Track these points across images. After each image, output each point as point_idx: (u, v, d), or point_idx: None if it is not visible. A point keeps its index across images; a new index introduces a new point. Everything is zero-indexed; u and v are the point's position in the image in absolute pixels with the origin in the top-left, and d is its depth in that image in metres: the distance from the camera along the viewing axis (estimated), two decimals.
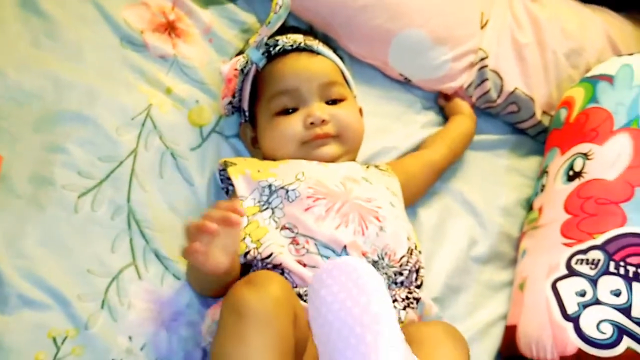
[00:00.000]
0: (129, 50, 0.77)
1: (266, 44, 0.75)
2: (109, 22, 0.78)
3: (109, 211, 0.67)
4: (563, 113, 0.88)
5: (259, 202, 0.68)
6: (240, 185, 0.68)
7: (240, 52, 0.77)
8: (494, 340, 0.77)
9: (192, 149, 0.74)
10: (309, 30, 0.85)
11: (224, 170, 0.73)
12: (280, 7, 0.72)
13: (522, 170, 0.92)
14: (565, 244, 0.73)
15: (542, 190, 0.84)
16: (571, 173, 0.79)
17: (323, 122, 0.72)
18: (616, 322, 0.66)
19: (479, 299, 0.80)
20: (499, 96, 0.91)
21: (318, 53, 0.77)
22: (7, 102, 0.69)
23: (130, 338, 0.62)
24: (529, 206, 0.87)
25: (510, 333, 0.74)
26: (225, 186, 0.74)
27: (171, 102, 0.76)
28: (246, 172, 0.70)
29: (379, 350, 0.47)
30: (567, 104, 0.88)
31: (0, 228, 0.62)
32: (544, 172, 0.86)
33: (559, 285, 0.71)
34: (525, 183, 0.91)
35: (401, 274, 0.66)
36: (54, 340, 0.59)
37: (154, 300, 0.65)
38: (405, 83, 0.91)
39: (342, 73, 0.79)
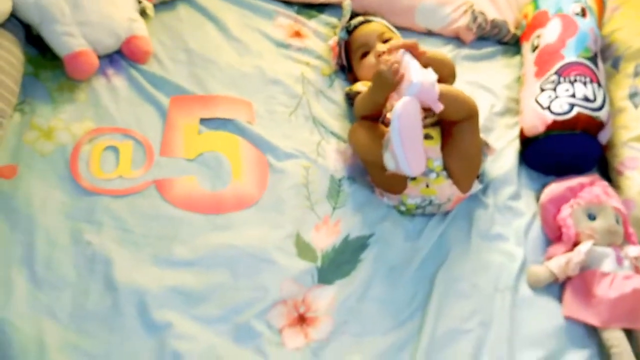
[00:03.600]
0: (283, 51, 1.46)
1: (345, 27, 1.43)
2: (268, 38, 1.48)
3: (304, 118, 1.34)
4: (524, 22, 1.53)
5: None
6: (359, 88, 1.33)
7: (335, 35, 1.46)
8: (516, 144, 1.39)
9: (329, 87, 1.42)
10: (363, 14, 1.52)
11: (347, 94, 1.39)
12: (347, 10, 1.43)
13: (511, 63, 1.56)
14: (537, 79, 1.36)
15: (522, 65, 1.47)
16: (534, 46, 1.43)
17: (384, 52, 1.34)
18: (569, 102, 1.27)
19: (501, 133, 1.42)
20: (486, 25, 1.56)
21: (371, 21, 1.43)
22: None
23: (334, 166, 1.26)
24: (519, 77, 1.49)
25: (521, 131, 1.36)
26: (350, 101, 1.40)
27: (310, 68, 1.44)
28: (360, 84, 1.35)
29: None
30: (525, 16, 1.54)
31: None
32: (521, 56, 1.49)
33: (538, 98, 1.33)
34: (515, 69, 1.54)
35: None
36: (304, 167, 1.24)
37: (338, 151, 1.29)
38: (428, 34, 1.57)
39: (388, 26, 1.44)
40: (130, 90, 1.31)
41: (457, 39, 1.59)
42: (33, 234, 1.06)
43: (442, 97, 1.10)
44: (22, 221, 1.08)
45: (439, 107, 1.09)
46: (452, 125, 1.17)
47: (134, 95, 1.30)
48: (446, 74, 1.25)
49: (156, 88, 1.32)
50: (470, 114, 1.16)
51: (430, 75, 1.10)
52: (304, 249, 1.14)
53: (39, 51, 1.30)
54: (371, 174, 1.24)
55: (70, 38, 1.25)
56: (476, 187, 1.24)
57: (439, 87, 1.10)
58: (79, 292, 1.02)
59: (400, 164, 1.08)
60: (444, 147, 1.19)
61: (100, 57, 1.31)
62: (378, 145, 1.14)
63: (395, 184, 1.19)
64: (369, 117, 1.22)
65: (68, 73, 1.27)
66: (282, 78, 1.40)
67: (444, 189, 1.19)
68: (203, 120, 1.29)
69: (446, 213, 1.24)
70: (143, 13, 1.42)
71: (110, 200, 1.13)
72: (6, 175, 1.12)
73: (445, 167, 1.19)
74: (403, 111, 1.06)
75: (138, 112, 1.27)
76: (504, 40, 1.59)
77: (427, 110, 1.17)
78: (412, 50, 1.14)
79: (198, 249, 1.10)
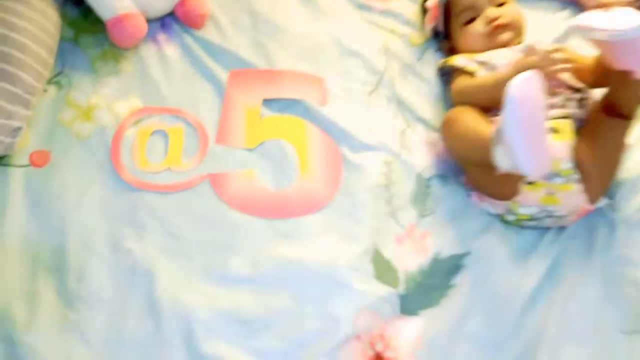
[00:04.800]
0: (365, 14, 1.21)
1: None
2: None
3: (386, 100, 1.11)
4: None
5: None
6: (458, 62, 1.08)
7: None
8: None
9: (418, 60, 1.17)
10: None
11: (441, 69, 1.15)
12: None
13: None
14: None
15: None
16: None
17: (496, 18, 1.09)
18: None
19: None
20: None
21: None
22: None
23: (422, 162, 1.04)
24: None
25: None
26: (444, 78, 1.16)
27: (396, 36, 1.19)
28: (460, 57, 1.10)
29: None
30: None
31: None
32: None
33: None
34: None
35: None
36: (385, 162, 1.03)
37: (427, 142, 1.07)
38: None
39: None
40: (184, 61, 1.11)
41: (575, 4, 1.29)
42: (65, 236, 0.90)
43: None
44: (53, 220, 0.92)
45: None
46: (613, 117, 0.92)
47: (188, 67, 1.10)
48: None
49: (213, 59, 1.11)
50: None
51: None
52: (383, 268, 0.93)
53: (81, 12, 1.12)
54: (470, 173, 1.01)
55: None
56: (603, 199, 0.99)
57: None
58: (115, 312, 0.86)
59: (519, 162, 0.82)
60: (583, 145, 0.94)
61: (149, 21, 1.11)
62: (484, 138, 0.89)
63: (505, 187, 0.95)
64: (479, 106, 0.98)
65: (112, 39, 1.07)
66: (362, 49, 1.16)
67: (570, 199, 0.94)
68: (266, 101, 1.08)
69: (561, 227, 1.00)
70: None
71: (157, 197, 0.95)
72: (37, 163, 0.96)
73: (579, 171, 0.93)
74: (522, 91, 0.80)
75: (191, 88, 1.07)
76: None
77: (553, 94, 0.94)
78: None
79: (258, 262, 0.92)
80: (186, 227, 0.93)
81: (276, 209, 0.97)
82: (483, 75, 1.03)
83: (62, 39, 1.07)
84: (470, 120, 0.95)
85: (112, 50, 1.09)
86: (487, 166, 0.90)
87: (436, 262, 0.95)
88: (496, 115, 0.95)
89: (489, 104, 0.97)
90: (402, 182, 1.02)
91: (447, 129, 1.01)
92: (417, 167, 1.04)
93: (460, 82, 1.05)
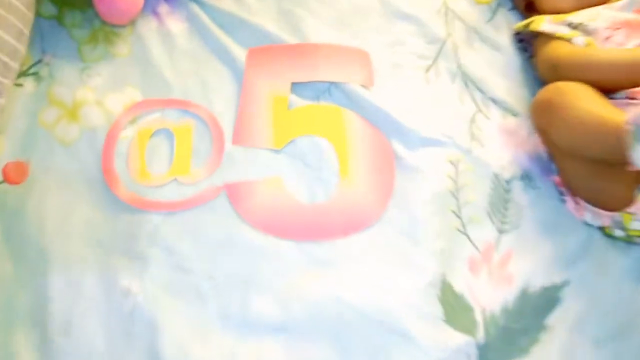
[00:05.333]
0: None
1: None
2: None
3: (449, 76, 0.87)
4: None
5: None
6: (545, 27, 0.83)
7: None
8: None
9: (487, 22, 0.92)
10: None
11: (518, 34, 0.90)
12: None
13: None
14: None
15: None
16: None
17: None
18: None
19: None
20: None
21: None
22: None
23: (499, 158, 0.81)
24: None
25: None
26: (523, 46, 0.91)
27: None
28: (545, 19, 0.85)
29: None
30: None
31: None
32: None
33: None
34: None
35: None
36: (451, 161, 0.80)
37: (502, 131, 0.83)
38: None
39: None
40: (192, 37, 0.88)
41: None
42: (46, 275, 0.71)
43: None
44: (32, 253, 0.72)
45: None
46: None
47: (197, 45, 0.87)
48: None
49: (229, 34, 0.88)
50: None
51: None
52: (455, 308, 0.71)
53: None
54: (569, 172, 0.76)
55: None
56: None
57: None
58: None
59: None
60: None
61: None
62: (613, 127, 0.66)
63: (618, 193, 0.71)
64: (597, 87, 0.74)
65: (102, 16, 0.87)
66: (415, 11, 0.91)
67: None
68: (296, 86, 0.85)
69: None
70: None
71: (161, 219, 0.74)
72: (13, 178, 0.76)
73: None
74: None
75: (203, 73, 0.85)
76: None
77: None
78: None
79: (289, 302, 0.70)
80: (198, 256, 0.73)
81: (311, 228, 0.75)
82: (601, 48, 0.77)
83: (42, 17, 0.86)
84: (591, 102, 0.70)
85: (104, 30, 0.87)
86: (607, 163, 0.68)
87: (524, 296, 0.72)
88: (612, 98, 0.72)
89: (611, 86, 0.72)
90: (474, 187, 0.78)
91: (549, 112, 0.75)
92: (494, 166, 0.80)
93: (559, 51, 0.79)
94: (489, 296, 0.72)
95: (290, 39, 0.87)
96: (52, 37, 0.86)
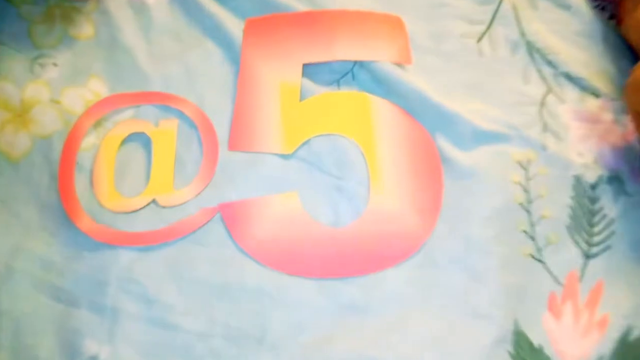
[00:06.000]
0: None
1: None
2: None
3: (510, 46, 0.66)
4: None
5: None
6: None
7: None
8: None
9: None
10: None
11: None
12: None
13: None
14: None
15: None
16: None
17: None
18: None
19: None
20: None
21: None
22: None
23: (579, 154, 0.62)
24: None
25: None
26: (600, 3, 0.69)
27: None
28: None
29: None
30: None
31: None
32: None
33: None
34: None
35: None
36: (519, 162, 0.61)
37: (581, 118, 0.64)
38: None
39: None
40: (173, 10, 0.68)
41: None
42: None
43: None
44: None
45: None
46: None
47: (180, 20, 0.67)
48: None
49: (221, 2, 0.67)
50: None
51: None
52: None
53: None
54: None
55: None
56: None
57: None
58: None
59: None
60: None
61: None
62: None
63: None
64: None
65: None
66: None
67: None
68: (308, 68, 0.65)
69: None
70: None
71: (136, 255, 0.56)
72: None
73: None
74: None
75: (187, 55, 0.65)
76: None
77: None
78: None
79: None
80: (186, 306, 0.54)
81: (334, 260, 0.57)
82: None
83: None
84: None
85: (61, 6, 0.68)
86: None
87: (625, 346, 0.53)
88: None
89: None
90: (550, 196, 0.58)
91: None
92: (574, 166, 0.60)
93: None
94: (577, 347, 0.54)
95: (300, 6, 0.67)
96: None
